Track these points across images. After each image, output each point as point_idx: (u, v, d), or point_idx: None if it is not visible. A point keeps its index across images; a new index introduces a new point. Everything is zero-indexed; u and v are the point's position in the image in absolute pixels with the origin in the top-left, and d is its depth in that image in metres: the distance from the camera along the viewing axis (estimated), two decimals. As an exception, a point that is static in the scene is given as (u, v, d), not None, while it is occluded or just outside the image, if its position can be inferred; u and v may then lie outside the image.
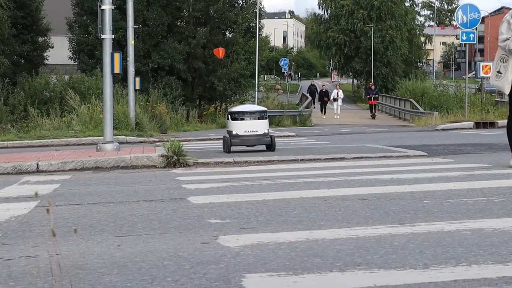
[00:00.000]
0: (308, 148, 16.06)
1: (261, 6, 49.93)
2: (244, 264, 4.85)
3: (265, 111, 15.35)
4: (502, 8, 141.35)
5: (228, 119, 15.08)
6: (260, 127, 14.54)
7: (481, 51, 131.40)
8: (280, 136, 26.57)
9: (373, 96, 55.13)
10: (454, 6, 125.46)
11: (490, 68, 31.91)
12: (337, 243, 5.41)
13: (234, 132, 14.43)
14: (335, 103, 55.58)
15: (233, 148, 14.50)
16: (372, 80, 72.58)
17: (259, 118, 14.64)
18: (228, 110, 15.79)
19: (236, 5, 43.10)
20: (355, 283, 4.24)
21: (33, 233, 6.22)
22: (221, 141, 21.79)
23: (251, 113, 14.75)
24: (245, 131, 14.35)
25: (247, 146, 14.72)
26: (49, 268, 4.06)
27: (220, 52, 18.55)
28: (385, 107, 60.36)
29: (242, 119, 14.58)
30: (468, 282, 4.17)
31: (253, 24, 44.91)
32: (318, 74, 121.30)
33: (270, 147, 14.40)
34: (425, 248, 5.15)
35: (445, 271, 4.45)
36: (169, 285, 4.39)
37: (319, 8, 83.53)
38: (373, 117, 54.32)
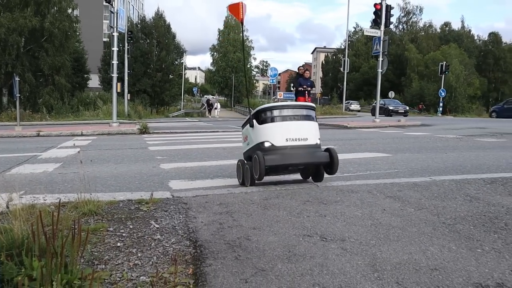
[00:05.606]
0: (203, 126, 15.70)
1: (186, 64, 49.50)
2: (170, 176, 4.85)
3: (314, 108, 3.22)
4: (287, 70, 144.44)
5: (251, 126, 3.21)
6: (311, 132, 3.06)
7: (279, 87, 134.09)
8: (194, 121, 25.90)
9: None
10: (268, 67, 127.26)
11: (282, 95, 32.97)
12: (211, 167, 5.47)
13: (266, 144, 3.02)
14: (215, 110, 43.57)
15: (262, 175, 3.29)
16: (232, 99, 71.87)
17: (306, 118, 3.07)
18: (256, 110, 3.13)
19: (174, 63, 41.85)
20: (218, 184, 4.35)
21: (77, 162, 5.93)
22: (164, 122, 20.41)
23: (296, 108, 3.05)
24: (287, 140, 2.96)
25: (292, 167, 3.08)
26: (81, 177, 3.93)
27: (239, 11, 3.24)
28: (239, 110, 60.29)
29: (284, 119, 2.97)
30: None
31: (181, 72, 44.28)
32: (210, 94, 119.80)
33: (331, 166, 3.08)
34: (226, 169, 5.29)
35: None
36: (136, 185, 4.33)
37: (211, 65, 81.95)
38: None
